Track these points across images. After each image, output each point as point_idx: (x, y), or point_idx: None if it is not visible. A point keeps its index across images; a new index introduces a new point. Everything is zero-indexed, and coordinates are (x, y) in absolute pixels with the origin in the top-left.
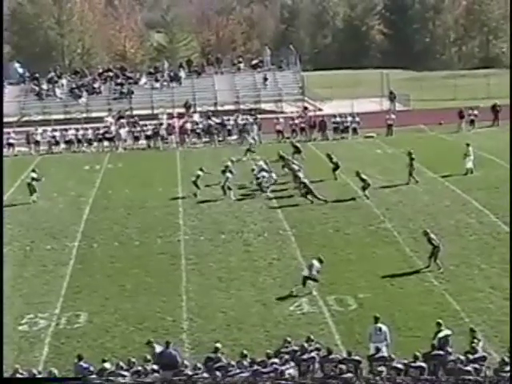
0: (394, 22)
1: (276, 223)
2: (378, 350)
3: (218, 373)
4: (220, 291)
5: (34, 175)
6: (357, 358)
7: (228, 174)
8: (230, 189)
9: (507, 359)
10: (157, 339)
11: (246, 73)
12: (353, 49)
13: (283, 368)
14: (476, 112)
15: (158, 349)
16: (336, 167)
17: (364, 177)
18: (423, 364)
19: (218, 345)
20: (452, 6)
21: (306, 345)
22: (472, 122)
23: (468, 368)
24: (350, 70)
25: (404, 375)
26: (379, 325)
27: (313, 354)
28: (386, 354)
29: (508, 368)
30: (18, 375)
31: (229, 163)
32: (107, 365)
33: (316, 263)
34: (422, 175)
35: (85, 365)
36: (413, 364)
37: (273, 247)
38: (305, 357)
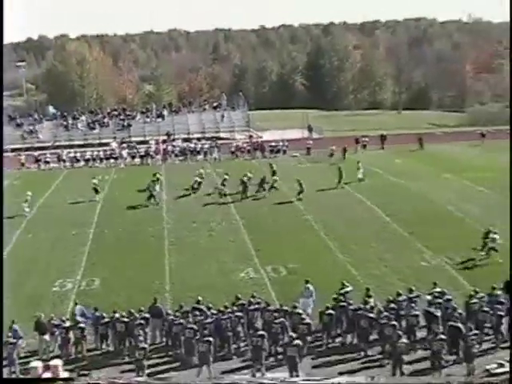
0: (312, 76)
1: (230, 216)
2: (305, 304)
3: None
4: (193, 264)
5: (95, 181)
6: (285, 308)
7: (197, 179)
8: (195, 189)
9: (381, 308)
10: (148, 296)
11: (209, 112)
12: (283, 95)
13: (236, 315)
14: (367, 139)
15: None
16: (274, 173)
17: (302, 183)
18: (332, 311)
19: (200, 298)
20: (351, 67)
21: (252, 300)
22: (364, 146)
23: (363, 313)
24: (281, 110)
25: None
26: (308, 285)
27: (256, 306)
28: (312, 306)
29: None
30: (53, 321)
31: (201, 170)
32: (117, 315)
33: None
34: (331, 183)
35: (98, 313)
36: (326, 312)
37: (229, 232)
38: (251, 307)
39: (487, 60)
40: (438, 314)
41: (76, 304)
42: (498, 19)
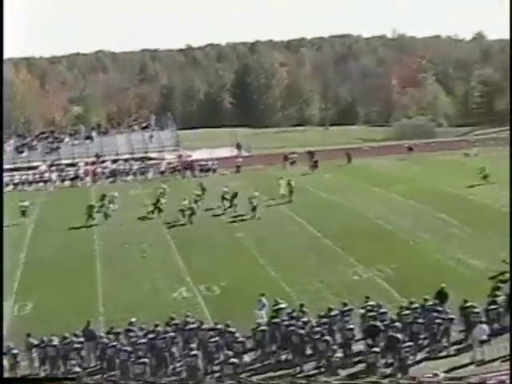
0: (240, 94)
1: (162, 236)
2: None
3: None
4: (125, 285)
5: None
6: (219, 326)
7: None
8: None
9: (314, 323)
10: (82, 319)
11: (138, 132)
12: (211, 114)
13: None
14: (295, 155)
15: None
16: (203, 191)
17: (254, 201)
18: (265, 328)
19: (133, 319)
20: (278, 84)
21: (186, 319)
22: (293, 162)
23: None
24: (210, 129)
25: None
26: (261, 298)
27: (191, 326)
28: (265, 319)
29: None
30: None
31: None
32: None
33: None
34: (261, 198)
35: (30, 339)
36: (258, 328)
37: (161, 252)
38: (185, 327)
39: (411, 74)
40: (381, 326)
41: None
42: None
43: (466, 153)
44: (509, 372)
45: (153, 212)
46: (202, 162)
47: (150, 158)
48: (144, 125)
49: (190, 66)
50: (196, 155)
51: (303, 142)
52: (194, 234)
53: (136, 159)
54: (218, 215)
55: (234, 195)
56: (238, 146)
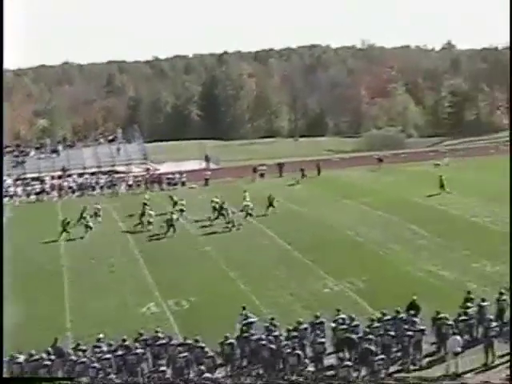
0: (207, 106)
1: (130, 250)
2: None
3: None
4: (93, 300)
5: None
6: (189, 341)
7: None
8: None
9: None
10: (50, 336)
11: (104, 145)
12: (179, 126)
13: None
14: (265, 167)
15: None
16: (175, 203)
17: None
18: (233, 341)
19: (101, 335)
20: (246, 95)
21: (155, 335)
22: (262, 174)
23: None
24: (178, 141)
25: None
26: (244, 311)
27: (160, 341)
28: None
29: None
30: None
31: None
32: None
33: None
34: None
35: None
36: (226, 342)
37: (128, 267)
38: (154, 343)
39: (381, 84)
40: (355, 339)
41: None
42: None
43: (437, 163)
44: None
45: (141, 225)
46: (170, 176)
47: (118, 172)
48: (111, 138)
49: (157, 78)
50: (164, 168)
51: (272, 153)
52: (163, 247)
53: (103, 173)
54: (185, 229)
55: (221, 206)
56: (207, 159)
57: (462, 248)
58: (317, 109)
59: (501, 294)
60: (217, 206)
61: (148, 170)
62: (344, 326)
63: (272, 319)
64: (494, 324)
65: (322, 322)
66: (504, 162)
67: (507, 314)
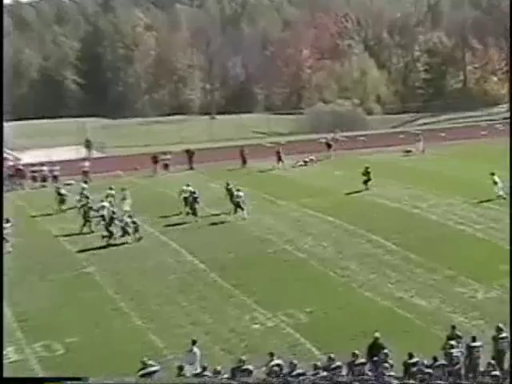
0: (88, 71)
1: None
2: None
3: None
4: None
5: None
6: None
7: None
8: None
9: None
10: None
11: None
12: (49, 99)
13: None
14: (169, 156)
15: None
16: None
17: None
18: None
19: None
20: (142, 56)
21: None
22: (166, 166)
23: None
24: (48, 120)
25: None
26: (194, 348)
27: None
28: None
29: None
30: None
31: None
32: None
33: None
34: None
35: None
36: None
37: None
38: None
39: (330, 41)
40: None
41: None
42: None
43: (408, 150)
44: None
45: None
46: (36, 168)
47: None
48: None
49: (17, 30)
50: (27, 158)
51: (180, 137)
52: (27, 269)
53: None
54: (59, 243)
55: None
56: (87, 145)
57: (443, 267)
58: (241, 75)
59: (498, 330)
60: (105, 212)
61: (5, 159)
62: (281, 376)
63: (180, 368)
64: (489, 371)
65: (248, 370)
66: (501, 148)
67: (507, 356)
